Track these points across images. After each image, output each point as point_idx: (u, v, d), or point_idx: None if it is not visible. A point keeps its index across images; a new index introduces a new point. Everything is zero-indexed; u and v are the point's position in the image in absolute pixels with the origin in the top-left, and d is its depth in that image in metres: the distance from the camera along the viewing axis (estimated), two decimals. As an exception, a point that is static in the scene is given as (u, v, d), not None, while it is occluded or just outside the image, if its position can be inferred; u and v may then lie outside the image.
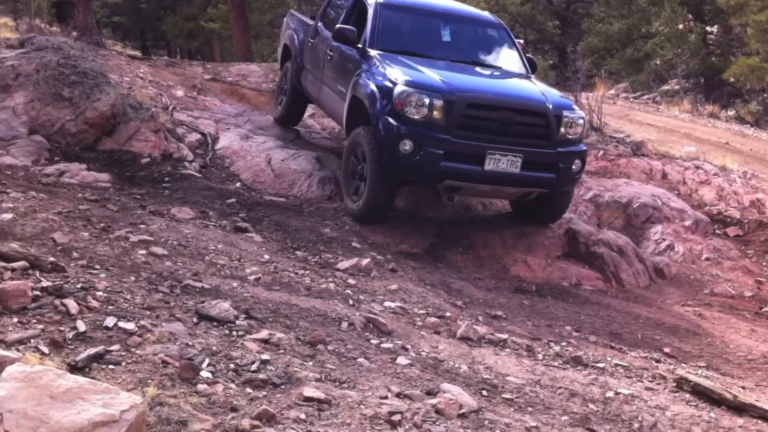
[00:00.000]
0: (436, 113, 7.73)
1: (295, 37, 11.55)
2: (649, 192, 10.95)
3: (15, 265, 5.13)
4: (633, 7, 29.99)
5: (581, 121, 8.32)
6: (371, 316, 5.59)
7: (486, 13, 10.75)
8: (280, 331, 4.99)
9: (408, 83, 7.89)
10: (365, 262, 6.89)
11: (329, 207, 8.78)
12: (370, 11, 9.34)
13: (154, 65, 16.43)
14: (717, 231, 10.89)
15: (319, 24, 10.83)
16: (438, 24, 9.61)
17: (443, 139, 7.72)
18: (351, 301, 5.94)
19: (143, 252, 6.11)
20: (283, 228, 7.83)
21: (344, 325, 5.40)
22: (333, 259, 7.10)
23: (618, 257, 8.83)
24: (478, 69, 9.20)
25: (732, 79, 27.82)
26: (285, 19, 12.74)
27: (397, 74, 8.10)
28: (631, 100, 24.83)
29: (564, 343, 6.07)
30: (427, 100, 7.72)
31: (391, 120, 7.83)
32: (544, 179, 8.12)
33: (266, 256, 6.81)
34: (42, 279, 5.01)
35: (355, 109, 8.62)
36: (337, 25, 9.30)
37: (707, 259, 9.83)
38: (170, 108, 11.82)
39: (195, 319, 4.91)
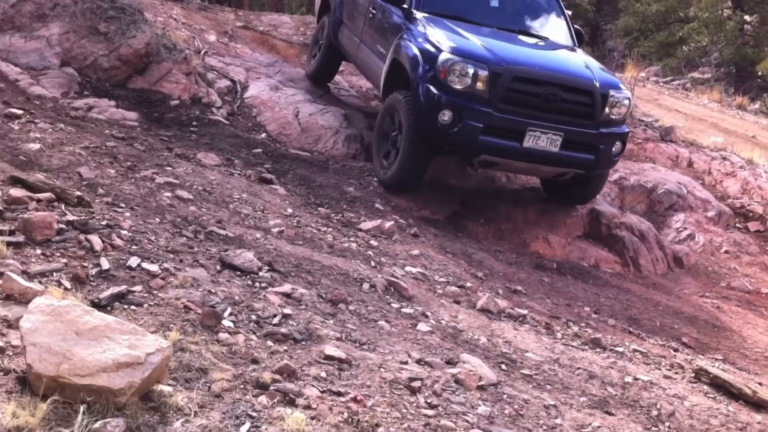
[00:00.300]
0: (479, 84, 7.41)
1: None
2: (675, 179, 10.82)
3: (41, 195, 5.10)
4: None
5: (627, 102, 8.00)
6: (393, 279, 5.55)
7: None
8: (302, 286, 4.96)
9: (453, 50, 7.57)
10: (388, 224, 6.84)
11: (354, 166, 8.72)
12: None
13: (187, 7, 16.25)
14: (738, 225, 10.78)
15: None
16: None
17: (484, 112, 7.43)
18: (373, 263, 5.90)
19: (168, 194, 6.08)
20: (307, 183, 7.78)
21: (365, 286, 5.36)
22: (356, 219, 7.05)
23: (639, 242, 8.74)
24: (524, 38, 8.83)
25: (760, 72, 27.48)
26: None
27: (442, 40, 7.77)
28: (661, 84, 24.51)
29: (583, 324, 6.03)
30: (471, 70, 7.40)
31: (432, 88, 7.51)
32: (583, 160, 7.82)
33: (289, 210, 6.77)
34: (67, 212, 4.98)
35: (395, 73, 8.29)
36: None
37: (726, 252, 9.73)
38: (202, 52, 11.71)
39: (218, 267, 4.87)
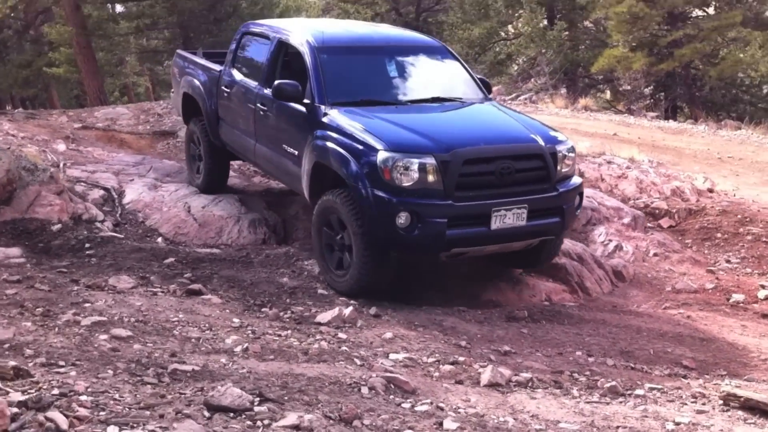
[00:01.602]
0: (430, 177, 6.72)
1: (197, 83, 10.08)
2: (579, 193, 10.69)
3: (-34, 377, 4.23)
4: (490, 12, 30.41)
5: (573, 152, 7.54)
6: (389, 375, 4.94)
7: (423, 36, 9.69)
8: (303, 410, 4.29)
9: (390, 146, 6.81)
10: (347, 312, 6.22)
11: (278, 253, 8.06)
12: (308, 59, 8.01)
13: (14, 119, 15.14)
14: (650, 224, 10.77)
15: (231, 70, 9.44)
16: (382, 60, 8.39)
17: (444, 204, 6.74)
18: (358, 361, 5.27)
19: (104, 337, 5.25)
20: (237, 284, 7.07)
21: (365, 390, 4.73)
22: (307, 312, 6.41)
23: (579, 266, 8.50)
24: (445, 108, 8.11)
25: (593, 71, 28.58)
26: (175, 61, 11.30)
27: (369, 135, 7.00)
28: (509, 101, 24.98)
29: (588, 373, 5.61)
30: (417, 164, 6.70)
31: (379, 192, 6.75)
32: (551, 225, 7.31)
33: (235, 320, 6.04)
34: (9, 390, 4.12)
35: (320, 174, 7.51)
36: (277, 82, 7.85)
37: (655, 254, 9.65)
38: (61, 165, 10.76)
39: (206, 413, 4.12)
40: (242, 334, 5.70)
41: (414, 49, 8.79)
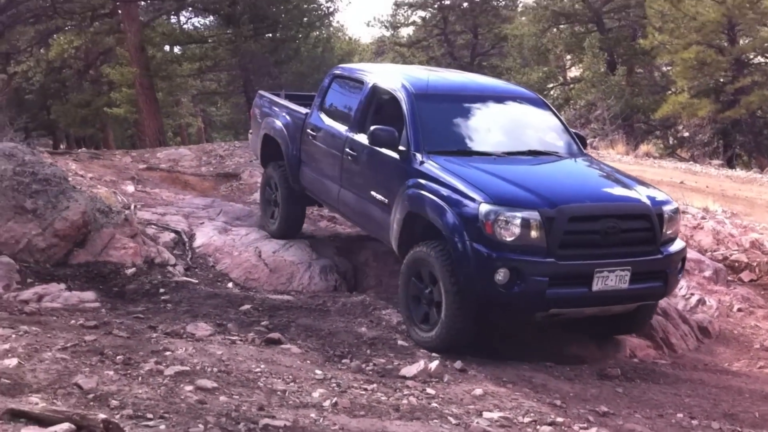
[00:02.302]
0: (534, 233, 6.38)
1: (280, 125, 9.82)
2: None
3: (56, 428, 4.08)
4: (550, 56, 30.37)
5: (677, 214, 7.18)
6: (489, 436, 4.71)
7: (519, 87, 9.38)
8: (403, 473, 4.08)
9: (493, 199, 6.49)
10: (434, 366, 6.01)
11: (355, 301, 7.86)
12: (405, 106, 7.72)
13: (78, 159, 15.27)
14: (730, 278, 10.39)
15: (319, 113, 9.21)
16: (479, 109, 8.14)
17: (547, 263, 6.39)
18: (452, 419, 5.04)
19: (190, 388, 5.09)
20: (315, 333, 6.88)
21: (466, 452, 4.51)
22: (389, 365, 6.20)
23: (664, 320, 8.17)
24: (544, 162, 7.83)
25: (655, 117, 28.25)
26: (256, 102, 10.98)
27: (470, 186, 6.68)
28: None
29: (694, 437, 5.32)
30: (521, 219, 6.36)
31: (478, 246, 6.41)
32: (653, 289, 6.93)
33: (318, 372, 5.85)
34: (101, 446, 3.98)
35: (411, 224, 7.21)
36: (373, 127, 7.55)
37: (739, 309, 9.27)
38: (132, 207, 10.75)
39: (306, 474, 3.95)
40: (327, 387, 5.51)
41: (510, 100, 8.56)
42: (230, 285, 8.73)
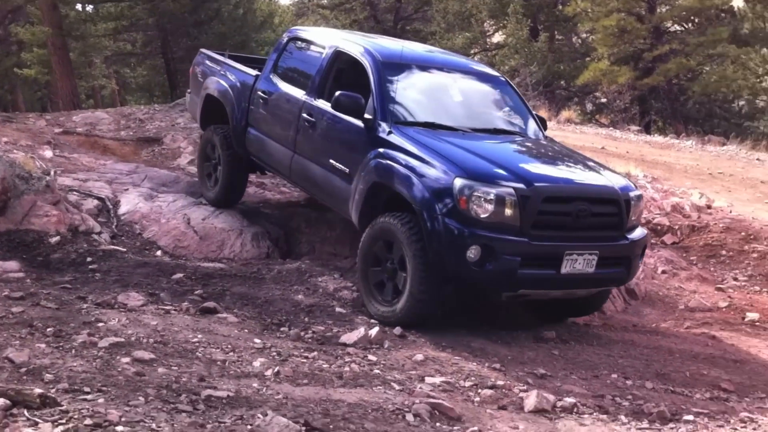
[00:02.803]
0: (508, 211, 6.21)
1: (225, 86, 9.33)
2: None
3: (-11, 404, 3.92)
4: (473, 21, 30.40)
5: (641, 201, 7.14)
6: (433, 401, 4.71)
7: (484, 66, 9.22)
8: (353, 441, 4.05)
9: (469, 174, 6.32)
10: (374, 333, 5.99)
11: (290, 269, 7.76)
12: (372, 74, 7.47)
13: (-9, 123, 14.67)
14: (652, 241, 10.63)
15: (271, 76, 8.79)
16: (445, 84, 7.99)
17: (520, 242, 6.25)
18: (395, 385, 5.03)
19: (126, 360, 4.96)
20: (251, 302, 6.78)
21: (410, 417, 4.50)
22: (328, 332, 6.16)
23: (593, 283, 8.29)
24: (513, 140, 7.72)
25: (576, 84, 28.61)
26: (197, 60, 10.39)
27: (444, 161, 6.50)
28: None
29: (629, 397, 5.43)
30: (495, 195, 6.19)
31: (451, 221, 6.22)
32: (616, 275, 6.89)
33: (257, 340, 5.77)
34: (38, 420, 3.84)
35: (375, 195, 7.00)
36: (338, 93, 7.24)
37: (663, 272, 9.51)
38: (53, 173, 10.36)
39: (253, 445, 3.88)
40: (267, 356, 5.44)
41: (476, 77, 8.40)
42: (159, 253, 8.52)
